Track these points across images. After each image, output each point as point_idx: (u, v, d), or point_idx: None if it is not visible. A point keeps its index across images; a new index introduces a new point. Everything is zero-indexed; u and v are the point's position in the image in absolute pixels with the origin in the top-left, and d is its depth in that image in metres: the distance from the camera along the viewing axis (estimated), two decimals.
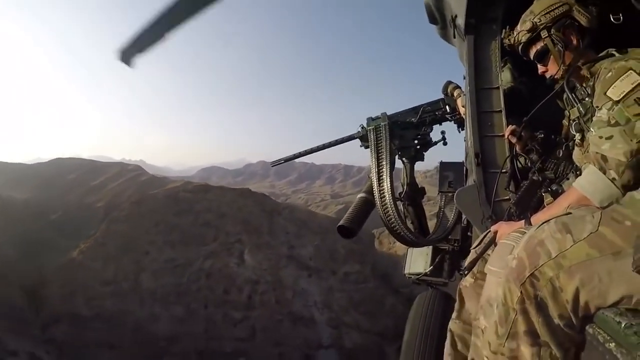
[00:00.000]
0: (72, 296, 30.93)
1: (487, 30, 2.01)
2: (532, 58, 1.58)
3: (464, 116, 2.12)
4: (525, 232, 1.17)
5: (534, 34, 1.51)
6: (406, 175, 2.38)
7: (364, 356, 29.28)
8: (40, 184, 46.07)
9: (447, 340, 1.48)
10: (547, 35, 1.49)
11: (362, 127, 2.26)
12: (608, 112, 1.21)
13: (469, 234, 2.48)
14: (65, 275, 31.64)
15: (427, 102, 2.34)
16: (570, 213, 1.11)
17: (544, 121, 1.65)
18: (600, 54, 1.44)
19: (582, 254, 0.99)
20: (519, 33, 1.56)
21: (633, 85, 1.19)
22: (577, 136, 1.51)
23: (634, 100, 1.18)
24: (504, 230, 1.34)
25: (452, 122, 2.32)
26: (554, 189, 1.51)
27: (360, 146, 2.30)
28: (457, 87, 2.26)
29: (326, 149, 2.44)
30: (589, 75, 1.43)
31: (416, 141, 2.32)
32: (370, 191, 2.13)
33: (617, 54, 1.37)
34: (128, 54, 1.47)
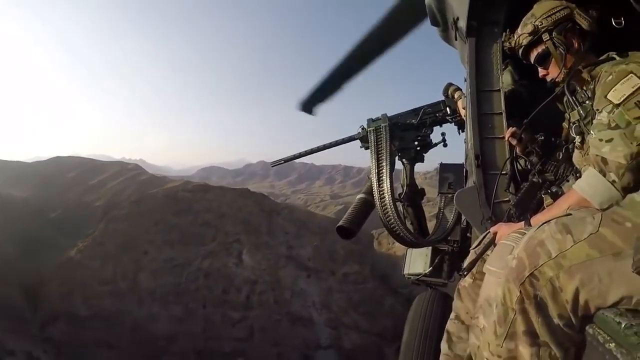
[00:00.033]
0: (70, 295, 30.87)
1: (489, 33, 2.02)
2: (532, 61, 1.58)
3: (464, 118, 2.13)
4: (525, 233, 1.17)
5: (536, 37, 1.52)
6: (406, 177, 2.39)
7: (362, 357, 29.26)
8: (39, 182, 46.03)
9: (444, 340, 1.49)
10: (548, 38, 1.49)
11: (363, 128, 2.26)
12: (608, 115, 1.22)
13: (468, 235, 2.48)
14: (64, 274, 31.59)
15: (427, 103, 2.35)
16: (571, 214, 1.12)
17: (544, 123, 1.66)
18: (601, 58, 1.44)
19: (583, 255, 0.99)
20: (519, 36, 1.56)
21: (634, 89, 1.20)
22: (577, 139, 1.52)
23: (635, 103, 1.18)
24: (504, 231, 1.35)
25: (453, 123, 2.33)
26: (553, 190, 1.52)
27: (361, 147, 2.31)
28: (458, 89, 2.26)
29: (326, 150, 2.45)
30: (589, 79, 1.44)
31: (416, 142, 2.32)
32: (370, 192, 2.13)
33: (617, 58, 1.38)
34: (310, 105, 1.61)
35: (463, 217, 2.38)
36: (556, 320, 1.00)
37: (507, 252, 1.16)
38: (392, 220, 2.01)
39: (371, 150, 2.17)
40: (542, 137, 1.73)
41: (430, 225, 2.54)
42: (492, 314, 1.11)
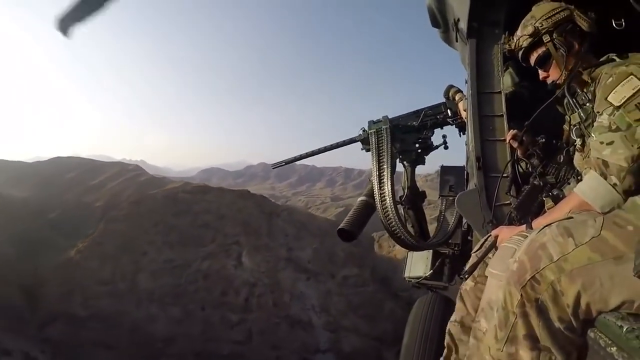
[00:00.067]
0: (69, 295, 30.80)
1: (490, 34, 2.02)
2: (533, 64, 1.57)
3: (465, 120, 2.13)
4: (527, 236, 1.17)
5: (536, 39, 1.51)
6: (407, 179, 2.39)
7: None
8: (39, 182, 46.04)
9: (445, 343, 1.48)
10: (549, 39, 1.48)
11: (364, 130, 2.26)
12: (609, 118, 1.22)
13: (469, 238, 2.47)
14: (63, 275, 31.53)
15: (428, 105, 2.35)
16: (572, 217, 1.11)
17: (546, 126, 1.66)
18: (601, 59, 1.44)
19: (584, 258, 0.98)
20: (519, 38, 1.55)
21: (634, 91, 1.20)
22: (578, 141, 1.52)
23: (635, 105, 1.18)
24: (505, 234, 1.34)
25: (454, 126, 2.33)
26: (555, 193, 1.51)
27: (362, 149, 2.31)
28: (459, 90, 2.27)
29: (327, 152, 2.45)
30: (589, 81, 1.43)
31: (417, 145, 2.33)
32: (371, 194, 2.13)
33: (617, 59, 1.37)
34: (66, 23, 1.44)
35: (464, 220, 2.37)
36: (557, 324, 0.99)
37: (509, 255, 1.16)
38: (393, 222, 2.01)
39: (372, 153, 2.16)
40: (543, 140, 1.73)
41: (431, 228, 2.53)
42: (494, 318, 1.10)
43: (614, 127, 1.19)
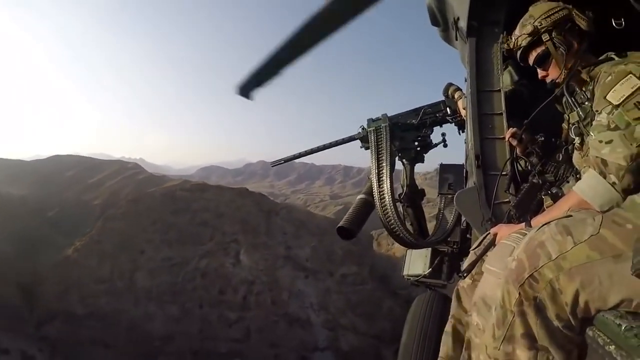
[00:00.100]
0: (66, 294, 30.79)
1: (489, 33, 2.02)
2: (532, 63, 1.57)
3: (465, 118, 2.13)
4: (526, 234, 1.17)
5: (535, 38, 1.51)
6: (406, 177, 2.38)
7: (360, 359, 29.22)
8: (38, 180, 45.96)
9: (442, 341, 1.48)
10: (548, 38, 1.48)
11: (363, 128, 2.26)
12: (608, 116, 1.21)
13: (468, 236, 2.47)
14: (61, 273, 31.51)
15: (427, 103, 2.35)
16: (571, 216, 1.11)
17: (545, 124, 1.66)
18: (600, 58, 1.44)
19: (583, 256, 0.98)
20: (518, 37, 1.55)
21: (633, 89, 1.19)
22: (577, 140, 1.52)
23: (634, 104, 1.18)
24: (504, 232, 1.34)
25: (453, 124, 2.33)
26: (553, 192, 1.51)
27: (361, 147, 2.30)
28: (458, 89, 2.27)
29: (326, 150, 2.44)
30: (588, 79, 1.43)
31: (416, 143, 2.32)
32: (370, 192, 2.13)
33: (616, 58, 1.37)
34: (247, 89, 1.59)
35: (463, 218, 2.37)
36: (555, 323, 0.99)
37: (508, 253, 1.16)
38: (392, 220, 2.01)
39: (371, 151, 2.16)
40: (542, 138, 1.73)
41: (430, 226, 2.53)
42: (491, 316, 1.10)
43: (612, 125, 1.19)
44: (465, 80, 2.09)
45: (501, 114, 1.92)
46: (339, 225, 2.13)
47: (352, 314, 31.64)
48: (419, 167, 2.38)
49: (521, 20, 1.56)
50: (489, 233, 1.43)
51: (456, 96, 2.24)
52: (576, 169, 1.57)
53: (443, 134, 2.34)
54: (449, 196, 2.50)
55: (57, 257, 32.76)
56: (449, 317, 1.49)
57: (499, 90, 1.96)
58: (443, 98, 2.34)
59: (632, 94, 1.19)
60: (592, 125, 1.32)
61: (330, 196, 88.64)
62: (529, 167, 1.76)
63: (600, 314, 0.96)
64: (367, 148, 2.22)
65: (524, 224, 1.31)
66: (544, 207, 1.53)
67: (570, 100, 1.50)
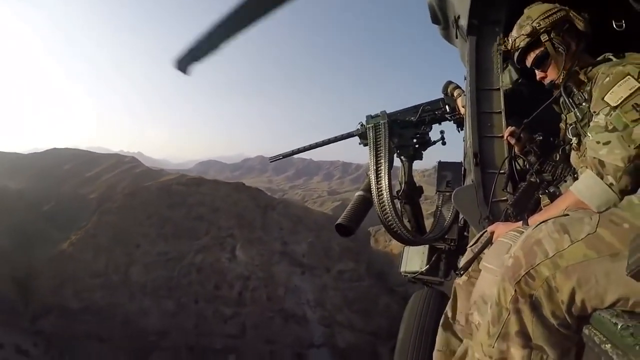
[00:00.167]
0: (61, 288, 30.69)
1: (489, 32, 2.02)
2: (530, 64, 1.56)
3: (463, 116, 2.13)
4: (523, 232, 1.17)
5: (534, 39, 1.50)
6: (404, 174, 2.38)
7: (356, 356, 29.41)
8: (35, 174, 45.62)
9: (438, 337, 1.49)
10: (547, 39, 1.48)
11: (362, 125, 2.25)
12: (606, 118, 1.21)
13: (465, 233, 2.48)
14: (56, 267, 31.38)
15: (427, 101, 2.34)
16: (568, 214, 1.12)
17: (543, 123, 1.66)
18: (598, 59, 1.43)
19: (580, 255, 0.99)
20: (516, 39, 1.54)
21: (631, 91, 1.19)
22: (574, 140, 1.51)
23: (632, 106, 1.17)
24: (501, 230, 1.34)
25: (452, 121, 2.33)
26: (551, 191, 1.52)
27: (359, 144, 2.30)
28: (457, 87, 2.26)
29: (325, 146, 2.44)
30: (586, 80, 1.43)
31: (415, 140, 2.32)
32: (368, 189, 2.12)
33: (614, 59, 1.37)
34: (184, 63, 1.55)
35: (461, 216, 2.38)
36: (551, 320, 0.99)
37: (505, 251, 1.16)
38: (390, 217, 2.01)
39: (370, 147, 2.16)
40: (541, 137, 1.73)
41: (428, 223, 2.54)
42: (487, 313, 1.11)
43: (610, 127, 1.19)
44: (465, 79, 2.09)
45: (500, 112, 1.92)
46: (337, 222, 2.12)
47: (349, 310, 31.81)
48: (417, 164, 2.38)
49: (518, 22, 1.56)
50: (486, 231, 1.43)
51: (455, 94, 2.23)
52: (574, 168, 1.57)
53: (442, 132, 2.34)
54: (447, 194, 2.51)
55: (52, 251, 32.61)
56: (445, 312, 1.50)
57: (499, 89, 1.96)
58: (442, 96, 2.34)
59: (630, 95, 1.18)
60: (589, 126, 1.31)
61: (328, 192, 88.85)
62: (527, 166, 1.77)
63: (596, 312, 0.97)
64: (365, 144, 2.22)
65: (521, 222, 1.32)
66: (541, 206, 1.54)
67: (567, 101, 1.49)
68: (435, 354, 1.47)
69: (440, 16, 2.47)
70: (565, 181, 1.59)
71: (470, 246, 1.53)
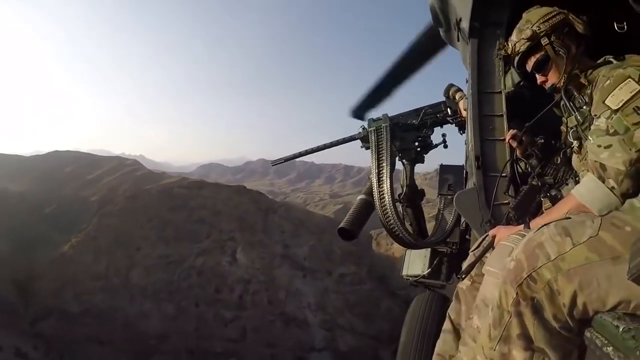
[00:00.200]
0: (62, 291, 30.67)
1: (491, 35, 2.02)
2: (530, 69, 1.56)
3: (465, 119, 2.14)
4: (525, 235, 1.17)
5: (534, 42, 1.50)
6: (406, 177, 2.39)
7: (358, 359, 29.20)
8: (37, 176, 45.77)
9: (439, 340, 1.49)
10: (547, 42, 1.48)
11: (363, 128, 2.26)
12: (607, 121, 1.21)
13: (467, 237, 2.47)
14: (56, 270, 31.38)
15: (428, 104, 2.35)
16: (570, 218, 1.12)
17: (545, 126, 1.66)
18: (598, 61, 1.43)
19: (582, 258, 0.99)
20: (516, 43, 1.54)
21: (632, 94, 1.19)
22: (575, 143, 1.51)
23: (633, 109, 1.17)
24: (503, 234, 1.35)
25: (454, 124, 2.34)
26: (552, 194, 1.52)
27: (361, 147, 2.30)
28: (459, 89, 2.27)
29: (326, 149, 2.45)
30: (586, 83, 1.43)
31: (417, 143, 2.33)
32: (370, 192, 2.13)
33: (614, 61, 1.36)
34: (361, 112, 1.71)
35: (462, 219, 2.38)
36: (553, 323, 1.00)
37: (507, 254, 1.17)
38: (392, 220, 2.01)
39: (372, 151, 2.16)
40: (542, 140, 1.73)
41: (430, 226, 2.54)
42: (488, 316, 1.11)
43: (611, 130, 1.19)
44: (467, 82, 2.09)
45: (502, 115, 1.92)
46: (339, 226, 2.12)
47: (350, 314, 31.64)
48: (419, 168, 2.38)
49: (517, 26, 1.56)
50: (488, 235, 1.43)
51: (457, 97, 2.24)
52: (575, 171, 1.57)
53: (443, 135, 2.35)
54: (449, 197, 2.51)
55: (53, 253, 32.63)
56: (447, 316, 1.50)
57: (500, 92, 1.96)
58: (444, 98, 2.34)
59: (631, 98, 1.18)
60: (590, 129, 1.31)
61: (330, 195, 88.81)
62: (529, 169, 1.77)
63: (598, 315, 0.97)
64: (367, 148, 2.22)
65: (522, 225, 1.32)
66: (543, 209, 1.54)
67: (568, 105, 1.49)
68: (434, 358, 1.46)
69: (442, 19, 2.47)
70: (567, 184, 1.59)
71: (473, 250, 1.53)
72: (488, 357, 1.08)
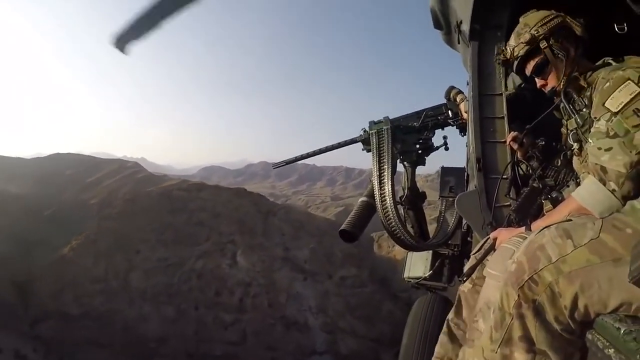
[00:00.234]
0: (61, 293, 30.58)
1: (492, 37, 2.03)
2: (530, 73, 1.57)
3: (466, 121, 2.14)
4: (526, 237, 1.18)
5: (533, 46, 1.50)
6: (407, 180, 2.40)
7: None
8: (37, 179, 45.76)
9: (439, 343, 1.48)
10: (546, 45, 1.48)
11: (365, 131, 2.27)
12: (607, 124, 1.21)
13: (469, 239, 2.48)
14: (56, 272, 31.31)
15: (429, 106, 2.36)
16: (571, 220, 1.12)
17: (546, 128, 1.67)
18: (597, 63, 1.44)
19: (583, 260, 1.00)
20: (515, 47, 1.55)
21: (631, 96, 1.19)
22: (575, 146, 1.51)
23: (633, 111, 1.17)
24: (504, 236, 1.35)
25: (455, 127, 2.34)
26: (553, 196, 1.52)
27: (363, 149, 2.31)
28: (460, 92, 2.29)
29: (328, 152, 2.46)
30: (585, 85, 1.43)
31: (418, 145, 2.34)
32: (371, 195, 2.14)
33: (613, 63, 1.37)
34: (123, 41, 1.47)
35: (464, 221, 2.38)
36: (554, 326, 1.00)
37: (508, 256, 1.17)
38: (393, 223, 2.01)
39: (373, 153, 2.17)
40: (543, 142, 1.74)
41: (431, 228, 2.54)
42: (490, 319, 1.11)
43: (611, 133, 1.19)
44: (467, 84, 2.10)
45: (503, 117, 1.93)
46: (341, 228, 2.13)
47: (351, 317, 31.48)
48: (420, 170, 2.39)
49: (515, 30, 1.56)
50: (489, 237, 1.44)
51: (458, 99, 2.26)
52: (576, 173, 1.58)
53: (444, 137, 2.36)
54: (450, 199, 2.51)
55: (52, 256, 32.57)
56: (448, 319, 1.49)
57: (501, 94, 1.97)
58: (445, 101, 2.35)
59: (631, 100, 1.18)
60: (590, 132, 1.32)
61: (331, 197, 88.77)
62: (530, 171, 1.77)
63: (599, 317, 0.97)
64: (368, 150, 2.23)
65: (524, 228, 1.32)
66: (544, 211, 1.54)
67: (568, 107, 1.49)
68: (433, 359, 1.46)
69: (443, 21, 2.49)
70: (568, 186, 1.59)
71: (474, 253, 1.53)
72: (489, 359, 1.08)
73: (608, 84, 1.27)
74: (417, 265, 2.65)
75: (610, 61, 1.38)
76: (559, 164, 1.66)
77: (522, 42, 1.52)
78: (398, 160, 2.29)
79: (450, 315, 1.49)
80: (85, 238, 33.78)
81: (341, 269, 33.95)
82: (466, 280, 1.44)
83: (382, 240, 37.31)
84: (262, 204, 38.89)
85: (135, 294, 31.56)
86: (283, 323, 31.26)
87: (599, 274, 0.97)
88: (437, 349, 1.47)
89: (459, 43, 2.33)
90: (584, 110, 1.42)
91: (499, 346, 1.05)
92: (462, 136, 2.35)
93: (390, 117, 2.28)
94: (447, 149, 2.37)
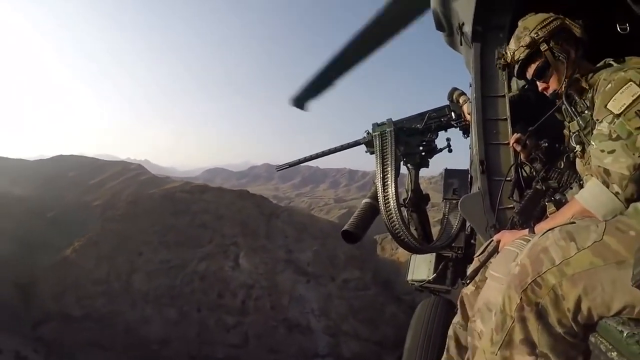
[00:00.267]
0: (63, 295, 30.67)
1: (494, 38, 2.04)
2: (531, 76, 1.56)
3: (469, 123, 2.15)
4: (530, 240, 1.17)
5: (534, 49, 1.50)
6: (411, 182, 2.40)
7: None
8: (41, 181, 46.05)
9: (446, 348, 1.48)
10: (547, 48, 1.47)
11: (368, 133, 2.28)
12: (609, 126, 1.21)
13: (472, 241, 2.47)
14: (58, 274, 31.42)
15: (432, 108, 2.37)
16: (575, 222, 1.12)
17: (549, 130, 1.67)
18: (598, 65, 1.43)
19: (586, 263, 0.99)
20: (515, 51, 1.54)
21: (633, 98, 1.18)
22: (578, 148, 1.51)
23: (635, 113, 1.16)
24: (507, 239, 1.34)
25: (458, 128, 2.34)
26: (557, 198, 1.52)
27: (366, 152, 2.32)
28: (463, 93, 2.29)
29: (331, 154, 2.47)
30: (587, 87, 1.42)
31: (421, 147, 2.34)
32: (375, 197, 2.14)
33: (614, 64, 1.36)
34: (301, 101, 1.64)
35: (467, 223, 2.38)
36: (557, 329, 1.00)
37: (511, 259, 1.17)
38: (397, 225, 2.01)
39: (376, 155, 2.18)
40: (546, 144, 1.73)
41: (435, 231, 2.54)
42: (491, 320, 1.11)
43: (614, 135, 1.18)
44: (470, 85, 2.11)
45: (506, 119, 1.93)
46: (343, 228, 2.14)
47: (354, 319, 31.31)
48: (423, 172, 2.39)
49: (515, 34, 1.56)
50: (493, 240, 1.44)
51: (461, 101, 2.26)
52: (579, 175, 1.57)
53: (448, 139, 2.37)
54: (454, 201, 2.51)
55: (55, 257, 32.70)
56: (452, 321, 1.49)
57: (504, 96, 1.97)
58: (448, 103, 2.36)
59: (633, 102, 1.18)
60: (592, 134, 1.31)
61: (334, 200, 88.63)
62: (533, 173, 1.77)
63: (602, 320, 0.97)
64: (372, 152, 2.24)
65: (527, 230, 1.32)
66: (547, 213, 1.54)
67: (570, 110, 1.49)
68: None
69: (445, 23, 2.49)
70: (571, 188, 1.59)
71: (477, 255, 1.53)
72: None
73: (610, 85, 1.27)
74: (421, 267, 2.64)
75: (611, 62, 1.37)
76: (562, 166, 1.66)
77: (522, 46, 1.51)
78: (401, 162, 2.30)
79: (456, 320, 1.48)
80: (87, 240, 33.91)
81: (344, 271, 33.82)
82: (469, 283, 1.43)
83: (386, 242, 37.15)
84: (265, 206, 38.89)
85: (137, 296, 31.59)
86: (285, 325, 31.15)
87: (603, 277, 0.97)
88: (444, 356, 1.47)
89: (461, 45, 2.34)
90: (586, 112, 1.41)
91: (499, 348, 1.05)
92: (465, 138, 2.35)
93: (393, 119, 2.28)
94: (450, 151, 2.37)
